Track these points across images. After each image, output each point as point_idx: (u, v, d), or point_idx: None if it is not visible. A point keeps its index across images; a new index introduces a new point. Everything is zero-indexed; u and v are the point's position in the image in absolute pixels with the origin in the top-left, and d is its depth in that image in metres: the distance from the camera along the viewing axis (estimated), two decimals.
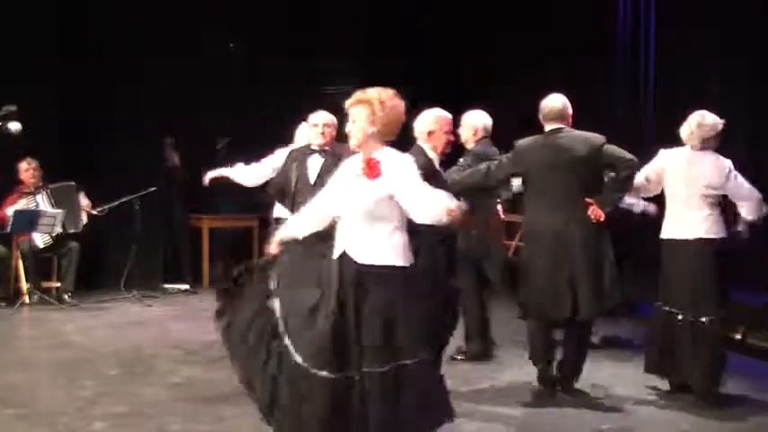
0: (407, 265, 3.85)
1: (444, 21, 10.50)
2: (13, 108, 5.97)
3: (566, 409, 5.15)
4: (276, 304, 3.94)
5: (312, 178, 5.76)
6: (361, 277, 3.80)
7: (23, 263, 8.50)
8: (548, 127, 5.39)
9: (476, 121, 6.22)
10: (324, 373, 3.73)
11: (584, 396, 5.37)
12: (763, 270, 7.37)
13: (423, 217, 3.76)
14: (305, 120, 6.14)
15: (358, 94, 3.98)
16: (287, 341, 3.84)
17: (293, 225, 4.18)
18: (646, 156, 5.67)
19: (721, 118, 5.35)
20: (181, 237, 10.12)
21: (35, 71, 9.06)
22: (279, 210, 6.19)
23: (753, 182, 5.89)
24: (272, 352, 3.88)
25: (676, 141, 5.38)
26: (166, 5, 9.59)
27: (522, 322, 5.62)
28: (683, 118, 5.37)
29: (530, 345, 5.47)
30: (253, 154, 6.96)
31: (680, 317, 5.26)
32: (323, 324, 3.78)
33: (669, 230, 5.37)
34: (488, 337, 6.34)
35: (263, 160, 6.61)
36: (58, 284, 8.71)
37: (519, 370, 5.79)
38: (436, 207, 3.70)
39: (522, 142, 5.44)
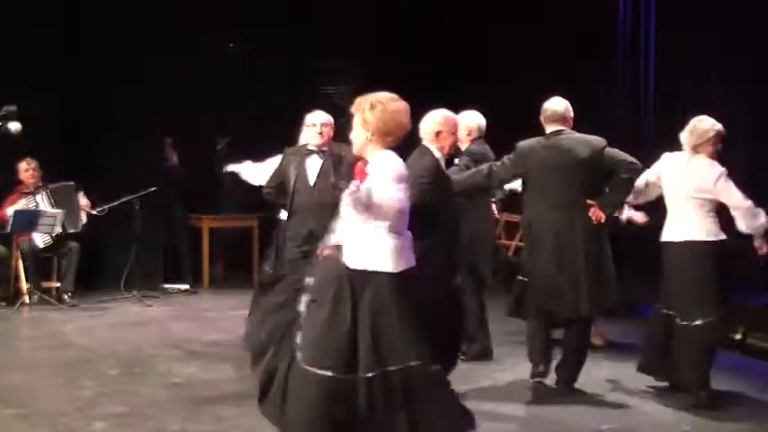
0: (396, 270, 3.80)
1: (444, 21, 10.50)
2: (13, 108, 5.96)
3: (565, 409, 5.15)
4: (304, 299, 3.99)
5: (311, 179, 5.72)
6: (354, 281, 3.81)
7: (23, 263, 8.49)
8: (549, 129, 5.42)
9: (470, 122, 6.22)
10: (321, 372, 3.74)
11: (583, 396, 5.38)
12: (764, 270, 7.37)
13: (376, 218, 3.76)
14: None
15: (356, 100, 3.98)
16: (297, 339, 3.87)
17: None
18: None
19: (721, 118, 5.35)
20: (181, 237, 10.12)
21: (35, 71, 9.05)
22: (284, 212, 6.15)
23: (753, 182, 5.90)
24: (283, 351, 3.90)
25: (676, 142, 5.38)
26: (166, 5, 9.59)
27: (522, 322, 5.63)
28: (683, 118, 5.37)
29: (528, 344, 5.48)
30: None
31: (677, 319, 5.26)
32: (321, 324, 3.80)
33: (666, 233, 5.38)
34: (488, 338, 6.35)
35: (269, 160, 6.54)
36: (58, 284, 8.71)
37: (519, 370, 5.79)
38: (383, 208, 3.71)
39: (524, 143, 5.46)
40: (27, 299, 8.41)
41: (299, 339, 3.87)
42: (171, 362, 6.29)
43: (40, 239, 8.56)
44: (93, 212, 8.79)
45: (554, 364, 5.51)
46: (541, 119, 5.46)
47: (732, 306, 5.47)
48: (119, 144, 9.42)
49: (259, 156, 6.80)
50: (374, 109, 3.87)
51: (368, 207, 3.70)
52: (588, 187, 5.28)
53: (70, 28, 9.35)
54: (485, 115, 6.40)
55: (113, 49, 9.31)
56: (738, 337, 6.59)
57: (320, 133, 5.81)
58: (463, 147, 6.18)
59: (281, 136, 6.75)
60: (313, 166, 5.75)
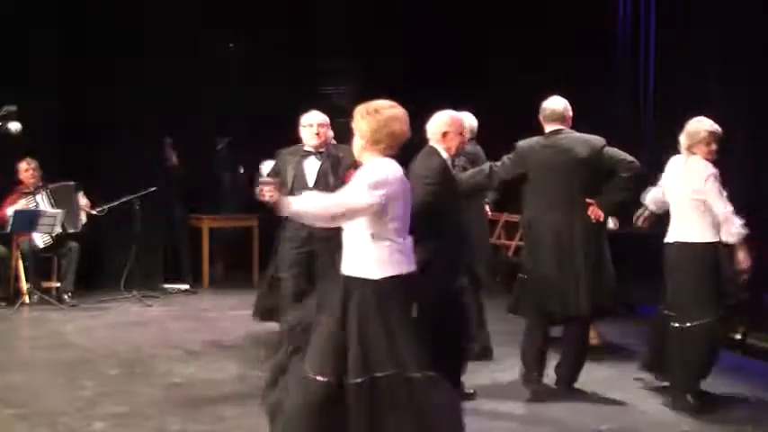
0: (378, 277, 3.77)
1: (444, 21, 10.50)
2: (13, 108, 5.97)
3: (565, 409, 5.15)
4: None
5: (310, 180, 5.69)
6: (345, 287, 3.83)
7: (23, 263, 8.49)
8: (548, 128, 5.43)
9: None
10: (313, 377, 3.75)
11: (583, 396, 5.38)
12: (764, 270, 7.37)
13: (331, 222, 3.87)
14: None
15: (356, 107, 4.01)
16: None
17: None
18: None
19: (721, 118, 5.34)
20: (181, 237, 10.12)
21: (35, 71, 9.05)
22: None
23: (753, 182, 5.89)
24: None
25: (676, 142, 5.38)
26: (166, 5, 9.59)
27: (522, 322, 5.63)
28: (683, 119, 5.37)
29: (524, 344, 5.50)
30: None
31: (672, 321, 5.26)
32: (318, 330, 3.83)
33: (668, 234, 5.38)
34: (488, 337, 6.35)
35: None
36: (58, 284, 8.71)
37: (519, 370, 5.78)
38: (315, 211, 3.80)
39: (523, 143, 5.47)
40: (27, 299, 8.41)
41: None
42: (171, 362, 6.29)
43: (40, 239, 8.56)
44: (93, 212, 8.78)
45: (554, 363, 5.52)
46: (540, 118, 5.47)
47: (732, 306, 5.44)
48: (119, 144, 9.42)
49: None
50: (367, 117, 3.88)
51: (299, 216, 3.82)
52: (587, 186, 5.29)
53: (70, 28, 9.35)
54: (485, 115, 6.40)
55: (113, 49, 9.31)
56: (738, 337, 6.59)
57: (317, 134, 5.75)
58: None
59: (280, 136, 6.75)
60: (311, 167, 5.72)
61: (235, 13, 10.33)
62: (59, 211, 8.49)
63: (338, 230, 3.94)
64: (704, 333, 5.11)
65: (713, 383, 5.37)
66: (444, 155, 5.03)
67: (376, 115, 3.86)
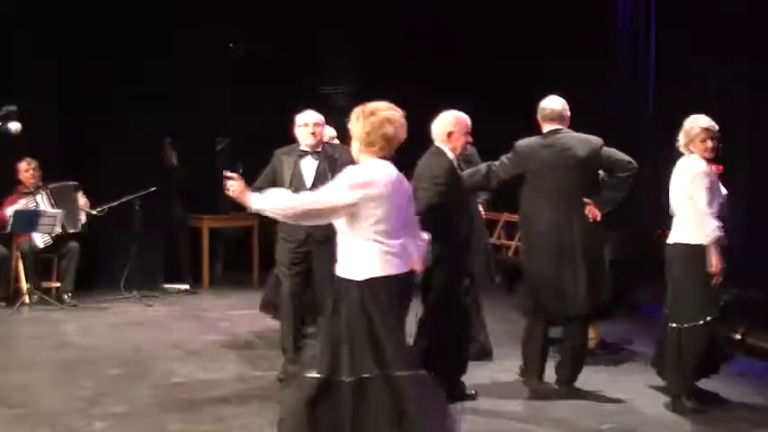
0: (360, 278, 3.79)
1: (444, 21, 10.50)
2: (13, 108, 5.95)
3: (565, 409, 5.15)
4: None
5: (308, 180, 5.66)
6: (338, 288, 3.89)
7: (23, 263, 8.49)
8: (546, 128, 5.44)
9: None
10: (310, 375, 3.82)
11: (583, 396, 5.39)
12: (764, 270, 7.37)
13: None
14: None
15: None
16: None
17: None
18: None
19: (721, 119, 5.33)
20: (181, 237, 10.12)
21: (35, 71, 9.05)
22: None
23: (752, 182, 5.87)
24: None
25: (676, 142, 5.37)
26: (166, 6, 9.59)
27: (521, 322, 5.64)
28: (683, 118, 5.35)
29: (523, 343, 5.52)
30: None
31: (669, 322, 5.26)
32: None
33: (670, 235, 5.37)
34: (486, 337, 6.35)
35: None
36: (58, 284, 8.70)
37: (518, 369, 5.78)
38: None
39: (522, 143, 5.48)
40: (27, 299, 8.40)
41: None
42: (171, 362, 6.28)
43: (40, 239, 8.56)
44: (93, 212, 8.78)
45: (553, 364, 5.53)
46: (539, 118, 5.48)
47: (731, 307, 5.44)
48: (118, 144, 9.42)
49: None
50: (361, 119, 3.91)
51: (264, 212, 3.87)
52: (584, 185, 5.32)
53: (70, 28, 9.35)
54: (484, 115, 6.39)
55: (113, 48, 9.31)
56: (738, 337, 6.58)
57: (313, 133, 5.71)
58: None
59: (280, 136, 6.75)
60: (308, 167, 5.69)
61: (235, 13, 10.33)
62: (59, 211, 8.49)
63: (336, 232, 3.96)
64: (700, 334, 5.09)
65: (713, 383, 5.37)
66: (450, 155, 5.05)
67: (370, 117, 3.89)
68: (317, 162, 5.68)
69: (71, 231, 8.68)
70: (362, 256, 3.81)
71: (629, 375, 5.93)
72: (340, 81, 10.51)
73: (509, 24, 10.01)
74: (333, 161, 5.63)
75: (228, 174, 3.93)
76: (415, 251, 3.94)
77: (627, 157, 5.35)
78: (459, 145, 5.13)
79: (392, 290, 3.80)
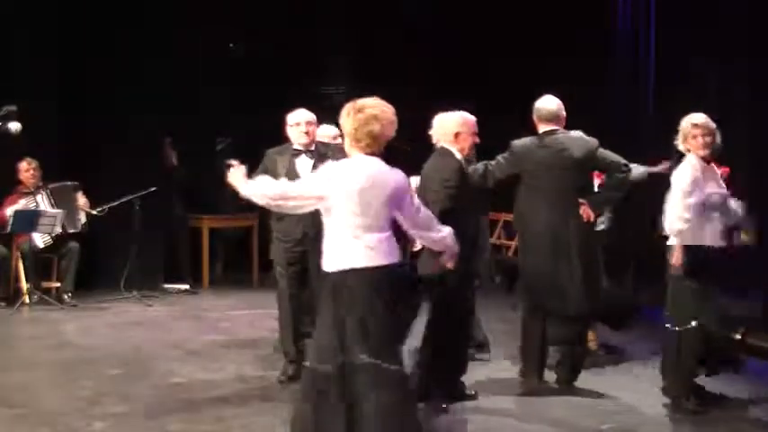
0: (332, 270, 3.93)
1: (444, 21, 10.50)
2: (13, 108, 5.94)
3: (565, 409, 5.15)
4: None
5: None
6: (322, 279, 4.06)
7: (23, 263, 8.48)
8: (542, 128, 5.48)
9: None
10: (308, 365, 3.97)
11: (583, 396, 5.39)
12: (764, 270, 7.37)
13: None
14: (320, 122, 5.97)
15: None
16: None
17: None
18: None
19: (721, 119, 5.32)
20: (181, 237, 10.12)
21: (35, 71, 9.05)
22: None
23: (752, 182, 5.85)
24: None
25: (674, 142, 5.37)
26: (166, 6, 9.59)
27: (518, 320, 5.67)
28: (683, 118, 5.35)
29: (523, 342, 5.53)
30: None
31: (666, 322, 5.25)
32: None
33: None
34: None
35: None
36: (58, 284, 8.70)
37: (518, 369, 5.78)
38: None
39: (518, 143, 5.51)
40: (27, 299, 8.40)
41: None
42: (171, 362, 6.28)
43: (40, 239, 8.56)
44: (93, 212, 8.78)
45: (553, 364, 5.54)
46: (535, 118, 5.51)
47: (731, 306, 5.43)
48: (118, 144, 9.42)
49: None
50: (350, 115, 4.01)
51: (252, 197, 4.16)
52: (579, 186, 5.37)
53: (70, 27, 9.35)
54: (484, 115, 6.38)
55: (113, 48, 9.31)
56: (738, 337, 6.57)
57: (306, 132, 5.68)
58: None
59: (280, 136, 6.74)
60: (303, 166, 5.65)
61: (235, 13, 10.33)
62: (59, 211, 8.49)
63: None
64: (698, 336, 5.08)
65: (713, 383, 5.36)
66: (458, 156, 5.07)
67: (358, 114, 3.98)
68: (312, 161, 5.65)
69: (71, 231, 8.68)
70: (334, 247, 3.95)
71: (630, 375, 5.93)
72: (340, 81, 10.51)
73: (509, 24, 10.01)
74: (326, 159, 5.62)
75: (231, 162, 4.16)
76: (392, 247, 4.00)
77: (622, 160, 5.40)
78: (466, 145, 5.16)
79: (362, 282, 3.88)
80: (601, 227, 5.98)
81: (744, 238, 6.09)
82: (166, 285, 9.60)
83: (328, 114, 6.07)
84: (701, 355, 5.12)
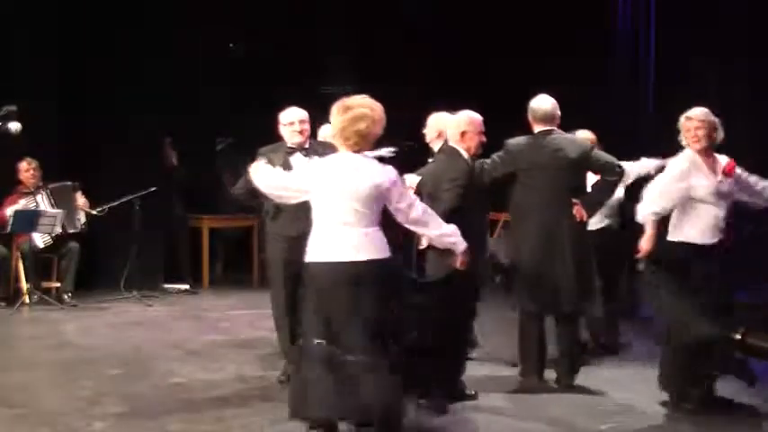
0: (307, 261, 4.15)
1: (444, 21, 10.50)
2: (13, 108, 5.95)
3: (565, 409, 5.15)
4: None
5: None
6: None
7: (23, 263, 8.49)
8: (537, 128, 5.52)
9: (440, 124, 6.05)
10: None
11: (583, 396, 5.40)
12: (765, 270, 7.38)
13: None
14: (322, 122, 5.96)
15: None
16: None
17: None
18: (645, 156, 5.70)
19: (721, 118, 5.31)
20: (181, 237, 10.12)
21: (35, 71, 9.05)
22: None
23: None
24: None
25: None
26: (166, 6, 9.59)
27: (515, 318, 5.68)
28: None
29: (520, 341, 5.55)
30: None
31: None
32: None
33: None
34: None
35: None
36: (58, 284, 8.70)
37: (518, 368, 5.78)
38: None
39: (513, 141, 5.55)
40: (27, 299, 8.40)
41: None
42: (171, 362, 6.28)
43: (40, 239, 8.56)
44: (93, 212, 8.78)
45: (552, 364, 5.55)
46: (530, 118, 5.54)
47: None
48: (118, 144, 9.42)
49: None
50: (338, 114, 4.15)
51: (259, 185, 4.46)
52: (573, 186, 5.42)
53: (70, 27, 9.35)
54: (484, 115, 6.38)
55: (113, 48, 9.31)
56: (738, 337, 6.56)
57: (300, 131, 5.64)
58: (435, 147, 6.08)
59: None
60: (299, 163, 5.64)
61: (235, 13, 10.33)
62: (59, 211, 8.49)
63: None
64: (675, 336, 5.06)
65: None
66: (465, 155, 5.09)
67: (345, 113, 4.13)
68: (307, 159, 5.63)
69: (71, 231, 8.68)
70: (318, 240, 4.14)
71: (630, 375, 5.93)
72: (340, 81, 10.49)
73: (509, 24, 10.01)
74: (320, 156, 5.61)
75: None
76: (377, 242, 4.10)
77: (616, 161, 5.45)
78: (473, 144, 5.19)
79: (326, 275, 4.05)
80: (597, 226, 5.98)
81: None
82: (166, 285, 9.61)
83: (329, 114, 6.07)
84: (697, 355, 5.08)
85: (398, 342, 4.17)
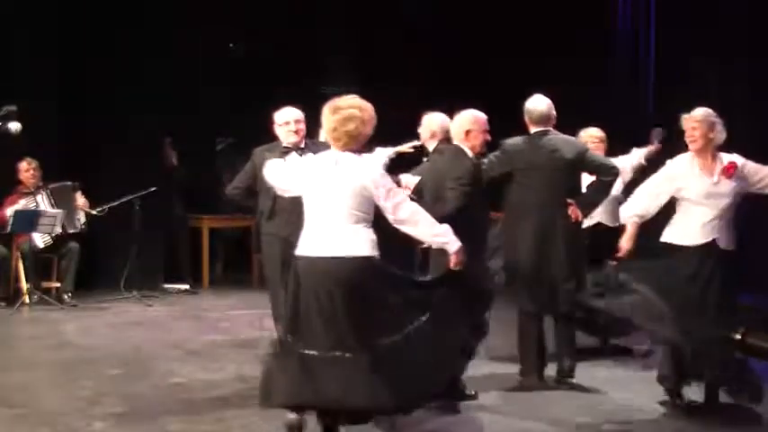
0: (296, 254, 4.24)
1: (444, 21, 10.50)
2: (13, 108, 5.94)
3: (565, 409, 5.15)
4: None
5: None
6: None
7: (23, 263, 8.48)
8: (533, 129, 5.55)
9: (432, 125, 5.95)
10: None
11: (583, 396, 5.41)
12: (765, 271, 7.38)
13: None
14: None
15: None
16: None
17: None
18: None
19: (721, 118, 5.30)
20: (181, 237, 10.12)
21: (35, 71, 9.05)
22: None
23: None
24: None
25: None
26: (166, 6, 9.59)
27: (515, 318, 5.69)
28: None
29: (519, 340, 5.58)
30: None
31: None
32: None
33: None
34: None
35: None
36: (58, 284, 8.70)
37: (518, 368, 5.78)
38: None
39: (510, 142, 5.58)
40: (27, 299, 8.40)
41: None
42: (171, 362, 6.28)
43: (40, 239, 8.56)
44: (93, 212, 8.78)
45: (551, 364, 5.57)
46: (526, 119, 5.57)
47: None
48: (118, 144, 9.42)
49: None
50: (328, 115, 4.25)
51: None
52: (568, 187, 5.45)
53: (70, 27, 9.35)
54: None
55: (113, 48, 9.31)
56: (738, 337, 6.55)
57: (295, 131, 5.63)
58: (430, 147, 6.06)
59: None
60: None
61: (235, 13, 10.34)
62: (59, 211, 8.49)
63: None
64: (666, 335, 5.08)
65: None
66: (469, 154, 5.10)
67: (334, 114, 4.23)
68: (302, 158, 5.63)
69: (71, 231, 8.68)
70: (306, 235, 4.26)
71: (630, 375, 5.93)
72: (340, 81, 10.49)
73: (509, 24, 10.02)
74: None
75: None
76: (362, 240, 4.16)
77: (611, 162, 5.52)
78: (477, 143, 5.21)
79: (305, 270, 4.17)
80: (588, 223, 6.00)
81: None
82: (166, 285, 9.61)
83: None
84: (692, 356, 5.05)
85: (377, 340, 4.16)
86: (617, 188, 5.95)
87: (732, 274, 5.03)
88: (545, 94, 5.58)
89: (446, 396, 5.05)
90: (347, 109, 4.23)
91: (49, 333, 7.31)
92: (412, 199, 4.64)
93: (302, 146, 5.64)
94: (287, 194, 4.58)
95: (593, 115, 7.18)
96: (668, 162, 5.13)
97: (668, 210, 5.15)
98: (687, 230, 4.99)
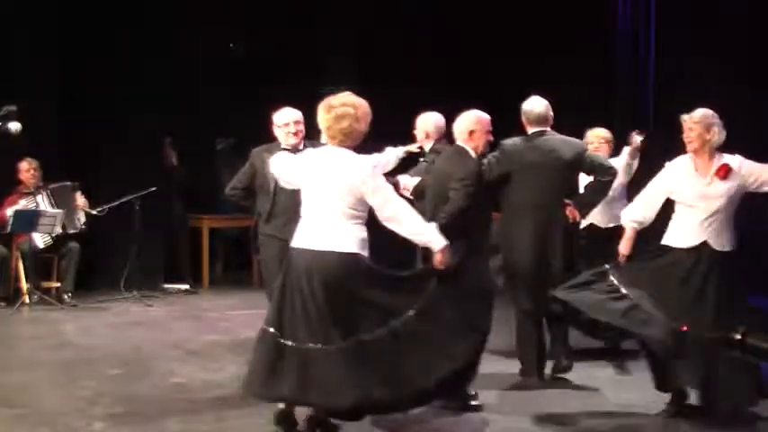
0: (292, 246, 4.35)
1: (444, 21, 10.50)
2: (13, 108, 5.94)
3: (565, 409, 5.15)
4: None
5: None
6: None
7: (23, 263, 8.49)
8: (531, 129, 5.58)
9: (427, 125, 5.83)
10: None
11: (583, 396, 5.42)
12: (766, 271, 7.37)
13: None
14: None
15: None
16: None
17: None
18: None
19: (721, 118, 5.29)
20: (181, 237, 10.12)
21: (35, 71, 9.05)
22: None
23: None
24: None
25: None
26: (166, 6, 9.59)
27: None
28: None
29: (519, 340, 5.62)
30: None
31: None
32: None
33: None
34: None
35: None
36: (58, 284, 8.70)
37: (518, 368, 5.78)
38: None
39: (509, 142, 5.60)
40: (27, 299, 8.40)
41: None
42: (171, 362, 6.28)
43: (40, 240, 8.56)
44: (93, 212, 8.78)
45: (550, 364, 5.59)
46: (523, 120, 5.58)
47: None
48: (118, 144, 9.42)
49: None
50: (323, 113, 4.33)
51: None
52: (566, 187, 5.48)
53: (70, 27, 9.35)
54: None
55: (113, 48, 9.32)
56: (738, 337, 6.55)
57: (295, 133, 5.61)
58: (427, 147, 6.03)
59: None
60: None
61: (235, 13, 10.34)
62: (59, 211, 8.49)
63: None
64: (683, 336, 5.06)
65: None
66: (473, 154, 5.11)
67: (329, 112, 4.31)
68: None
69: (71, 231, 8.69)
70: (301, 227, 4.36)
71: (630, 375, 5.93)
72: (340, 81, 10.49)
73: (509, 24, 10.01)
74: None
75: None
76: (350, 236, 4.23)
77: (609, 163, 5.54)
78: (480, 144, 5.23)
79: (294, 260, 4.27)
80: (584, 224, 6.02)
81: None
82: (166, 285, 9.61)
83: None
84: (689, 357, 5.03)
85: (358, 335, 4.18)
86: (613, 189, 5.94)
87: (730, 275, 4.98)
88: (545, 94, 5.60)
89: (447, 397, 5.06)
90: (340, 107, 4.31)
91: (48, 333, 7.31)
92: (410, 200, 4.65)
93: (301, 147, 5.61)
94: (290, 187, 4.64)
95: (594, 115, 7.19)
96: (667, 164, 5.13)
97: (669, 214, 5.13)
98: (680, 232, 4.97)
